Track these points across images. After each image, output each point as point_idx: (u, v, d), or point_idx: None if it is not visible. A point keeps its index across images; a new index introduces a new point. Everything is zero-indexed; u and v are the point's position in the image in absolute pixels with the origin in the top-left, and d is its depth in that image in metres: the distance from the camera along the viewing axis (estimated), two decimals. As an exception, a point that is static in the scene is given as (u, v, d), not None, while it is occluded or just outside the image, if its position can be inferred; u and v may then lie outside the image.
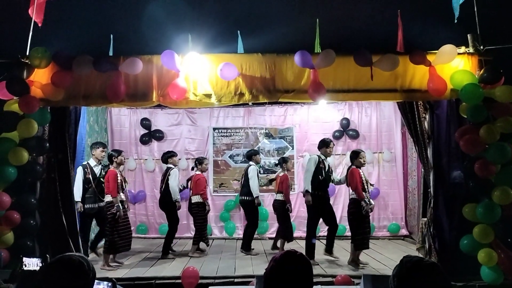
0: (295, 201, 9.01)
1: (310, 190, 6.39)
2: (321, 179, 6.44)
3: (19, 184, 5.28)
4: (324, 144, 6.67)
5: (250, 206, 7.27)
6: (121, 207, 5.99)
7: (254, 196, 7.16)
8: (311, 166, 6.53)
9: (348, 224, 6.44)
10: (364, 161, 6.38)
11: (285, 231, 7.10)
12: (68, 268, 1.93)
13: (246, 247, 7.28)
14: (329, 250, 6.58)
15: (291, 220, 7.60)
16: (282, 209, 7.12)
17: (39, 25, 5.78)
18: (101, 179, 6.48)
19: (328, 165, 6.64)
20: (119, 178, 6.18)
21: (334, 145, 6.96)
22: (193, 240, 7.22)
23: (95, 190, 6.49)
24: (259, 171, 8.76)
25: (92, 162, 6.68)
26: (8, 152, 5.12)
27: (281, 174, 7.32)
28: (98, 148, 6.69)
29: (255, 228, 7.42)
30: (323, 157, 6.62)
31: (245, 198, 7.31)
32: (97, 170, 6.63)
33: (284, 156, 8.39)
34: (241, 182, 7.52)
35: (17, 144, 5.23)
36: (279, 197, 7.18)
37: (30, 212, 5.32)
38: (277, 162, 8.14)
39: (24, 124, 5.23)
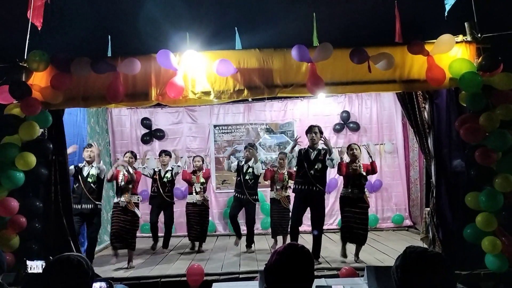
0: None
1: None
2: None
3: (23, 188, 5.26)
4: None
5: None
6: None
7: None
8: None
9: None
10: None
11: None
12: (67, 267, 1.94)
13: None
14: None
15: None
16: None
17: (39, 28, 5.75)
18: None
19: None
20: (119, 178, 6.49)
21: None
22: None
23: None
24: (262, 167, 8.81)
25: None
26: (12, 156, 5.11)
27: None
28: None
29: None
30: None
31: None
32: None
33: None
34: None
35: (20, 147, 5.23)
36: None
37: (36, 215, 5.33)
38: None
39: (26, 126, 5.22)
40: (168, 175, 7.61)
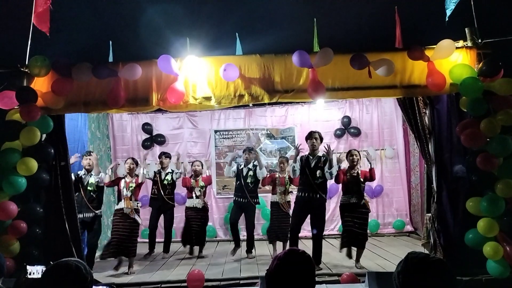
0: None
1: None
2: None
3: (24, 193, 5.24)
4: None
5: None
6: None
7: None
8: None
9: None
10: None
11: None
12: (66, 273, 1.93)
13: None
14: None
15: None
16: None
17: (47, 34, 5.75)
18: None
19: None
20: (121, 185, 6.41)
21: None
22: None
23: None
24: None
25: None
26: (14, 162, 5.11)
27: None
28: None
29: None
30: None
31: None
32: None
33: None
34: None
35: (21, 152, 5.23)
36: None
37: (37, 221, 5.31)
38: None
39: (27, 132, 5.23)
40: (169, 177, 7.59)
